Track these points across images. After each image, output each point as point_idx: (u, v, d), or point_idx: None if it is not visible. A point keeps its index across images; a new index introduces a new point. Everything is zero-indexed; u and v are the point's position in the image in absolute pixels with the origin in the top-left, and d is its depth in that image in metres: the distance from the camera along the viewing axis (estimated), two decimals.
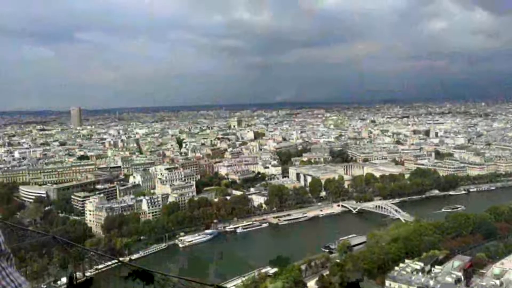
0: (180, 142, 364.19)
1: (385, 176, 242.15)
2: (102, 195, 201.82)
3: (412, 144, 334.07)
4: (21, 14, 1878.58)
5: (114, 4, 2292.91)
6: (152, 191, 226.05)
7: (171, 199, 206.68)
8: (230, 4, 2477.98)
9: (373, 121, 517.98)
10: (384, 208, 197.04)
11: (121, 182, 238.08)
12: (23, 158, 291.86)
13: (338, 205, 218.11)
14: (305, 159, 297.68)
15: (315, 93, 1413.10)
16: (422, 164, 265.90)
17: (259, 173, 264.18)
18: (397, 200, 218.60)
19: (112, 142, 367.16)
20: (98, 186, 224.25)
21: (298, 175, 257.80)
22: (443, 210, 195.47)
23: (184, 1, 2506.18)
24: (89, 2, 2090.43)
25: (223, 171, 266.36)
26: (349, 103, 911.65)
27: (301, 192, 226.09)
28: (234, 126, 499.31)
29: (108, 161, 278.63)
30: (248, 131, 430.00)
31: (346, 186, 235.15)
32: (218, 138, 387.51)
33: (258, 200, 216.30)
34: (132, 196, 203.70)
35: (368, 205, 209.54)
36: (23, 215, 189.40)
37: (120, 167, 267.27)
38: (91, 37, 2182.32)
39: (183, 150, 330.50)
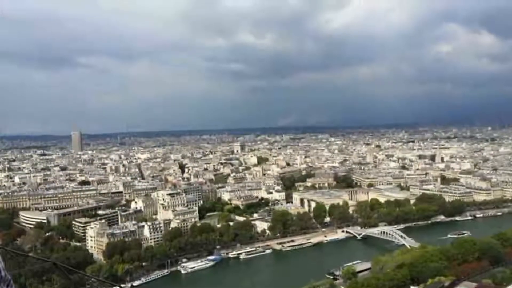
0: (182, 167, 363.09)
1: (390, 202, 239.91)
2: (103, 220, 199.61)
3: (418, 169, 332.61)
4: (22, 39, 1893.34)
5: (116, 27, 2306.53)
6: (154, 216, 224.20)
7: (173, 224, 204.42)
8: (233, 27, 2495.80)
9: (378, 146, 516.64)
10: (389, 234, 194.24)
11: (123, 207, 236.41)
12: (24, 183, 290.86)
13: (343, 231, 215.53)
14: (309, 184, 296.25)
15: (319, 117, 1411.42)
16: (428, 190, 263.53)
17: (262, 198, 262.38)
18: (402, 226, 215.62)
19: (113, 167, 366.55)
20: (100, 212, 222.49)
21: (302, 200, 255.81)
22: (448, 236, 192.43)
23: (187, 25, 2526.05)
24: (91, 26, 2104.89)
25: (226, 196, 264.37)
26: (353, 127, 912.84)
27: (305, 218, 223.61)
28: (237, 151, 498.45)
29: (110, 187, 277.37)
30: (251, 156, 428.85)
31: (350, 212, 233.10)
32: (221, 163, 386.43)
33: (261, 225, 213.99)
34: (134, 222, 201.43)
35: (373, 231, 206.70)
36: (23, 241, 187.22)
37: (121, 192, 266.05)
38: (93, 61, 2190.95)
39: (185, 175, 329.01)
